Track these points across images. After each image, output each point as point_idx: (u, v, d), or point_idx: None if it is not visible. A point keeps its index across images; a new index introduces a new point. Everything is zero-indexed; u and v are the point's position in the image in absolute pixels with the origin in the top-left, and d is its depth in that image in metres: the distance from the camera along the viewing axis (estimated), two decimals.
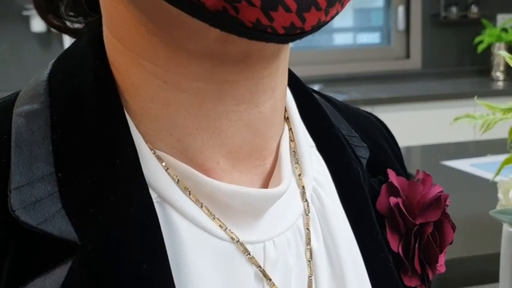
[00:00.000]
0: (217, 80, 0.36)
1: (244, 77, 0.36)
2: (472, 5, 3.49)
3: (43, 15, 0.45)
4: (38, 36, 3.07)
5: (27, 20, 3.03)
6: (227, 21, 0.32)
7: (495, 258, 0.76)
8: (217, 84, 0.36)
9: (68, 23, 0.45)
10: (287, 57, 0.40)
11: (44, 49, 3.09)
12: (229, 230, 0.38)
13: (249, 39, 0.33)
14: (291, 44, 0.37)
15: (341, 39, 3.62)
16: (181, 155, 0.38)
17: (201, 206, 0.38)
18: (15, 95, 0.40)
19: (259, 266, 0.38)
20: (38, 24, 3.00)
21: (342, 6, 0.34)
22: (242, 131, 0.38)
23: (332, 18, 0.33)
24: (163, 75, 0.36)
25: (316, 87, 3.01)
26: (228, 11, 0.31)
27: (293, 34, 0.32)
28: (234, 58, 0.35)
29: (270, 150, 0.41)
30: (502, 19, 3.50)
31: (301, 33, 0.33)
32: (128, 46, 0.37)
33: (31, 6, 2.77)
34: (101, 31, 0.40)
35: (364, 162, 0.47)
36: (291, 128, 0.44)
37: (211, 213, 0.38)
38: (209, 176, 0.38)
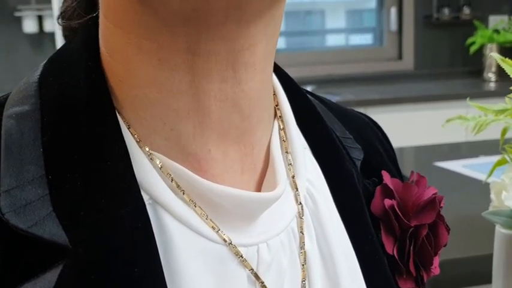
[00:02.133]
0: (202, 50, 0.36)
1: (225, 47, 0.36)
2: (464, 7, 3.51)
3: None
4: (30, 37, 3.06)
5: (19, 21, 3.02)
6: None
7: (488, 259, 0.76)
8: (200, 56, 0.36)
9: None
10: (271, 39, 0.39)
11: (36, 50, 3.08)
12: (222, 231, 0.38)
13: None
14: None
15: (333, 41, 3.62)
16: (174, 147, 0.38)
17: (195, 206, 0.37)
18: (5, 97, 0.40)
19: (251, 269, 0.38)
20: (30, 25, 3.00)
21: None
22: (229, 112, 0.38)
23: None
24: (157, 51, 0.36)
25: (309, 88, 3.00)
26: None
27: None
28: (215, 22, 0.35)
29: (256, 137, 0.41)
30: (494, 20, 3.52)
31: None
32: (124, 27, 0.37)
33: (23, 7, 2.76)
34: (95, 30, 0.39)
35: (358, 163, 0.47)
36: (283, 128, 0.44)
37: (204, 213, 0.38)
38: (202, 167, 0.38)
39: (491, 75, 3.41)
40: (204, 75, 0.37)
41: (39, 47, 3.08)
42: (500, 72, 3.34)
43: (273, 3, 0.37)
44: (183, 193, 0.37)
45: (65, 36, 0.45)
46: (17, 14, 2.99)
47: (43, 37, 3.07)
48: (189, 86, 0.37)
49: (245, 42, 0.37)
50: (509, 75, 0.70)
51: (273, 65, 0.41)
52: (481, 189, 1.02)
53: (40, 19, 3.03)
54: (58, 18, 0.45)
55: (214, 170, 0.39)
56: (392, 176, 0.48)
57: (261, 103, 0.40)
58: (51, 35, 2.98)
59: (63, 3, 0.45)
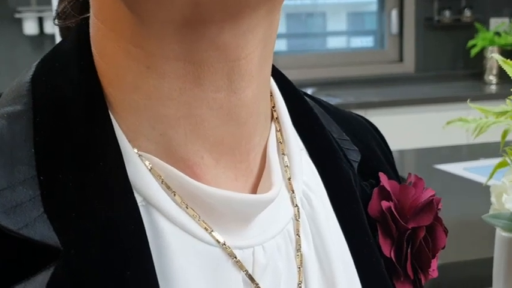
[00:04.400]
0: (195, 60, 0.35)
1: (220, 57, 0.36)
2: (465, 9, 3.50)
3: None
4: (31, 38, 3.06)
5: (19, 22, 3.02)
6: None
7: (488, 263, 0.75)
8: (195, 64, 0.35)
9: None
10: (268, 44, 0.39)
11: (37, 52, 3.08)
12: (215, 233, 0.37)
13: None
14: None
15: (334, 43, 3.62)
16: (164, 151, 0.37)
17: (186, 207, 0.37)
18: None
19: (246, 271, 0.37)
20: (30, 27, 3.00)
21: None
22: (224, 121, 0.38)
23: None
24: (146, 58, 0.36)
25: (309, 91, 3.02)
26: None
27: None
28: (209, 33, 0.34)
29: (252, 144, 0.40)
30: (495, 23, 3.51)
31: None
32: (114, 30, 0.36)
33: (24, 8, 2.75)
34: (87, 30, 0.39)
35: (355, 165, 0.47)
36: (280, 130, 0.43)
37: (196, 214, 0.37)
38: (194, 172, 0.37)
39: (492, 78, 3.40)
40: (197, 84, 0.36)
41: (40, 48, 3.08)
42: (501, 74, 3.33)
43: (270, 11, 0.36)
44: (174, 194, 0.37)
45: (63, 36, 0.45)
46: (18, 15, 2.99)
47: (43, 39, 3.07)
48: (180, 94, 0.36)
49: (241, 52, 0.36)
50: (510, 78, 0.69)
51: (271, 67, 0.41)
52: (482, 192, 1.01)
53: (40, 21, 3.03)
54: (55, 19, 0.44)
55: (206, 176, 0.38)
56: (389, 178, 0.47)
57: (258, 108, 0.40)
58: (52, 37, 2.98)
59: (60, 3, 0.45)
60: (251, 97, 0.38)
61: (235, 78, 0.37)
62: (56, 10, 0.45)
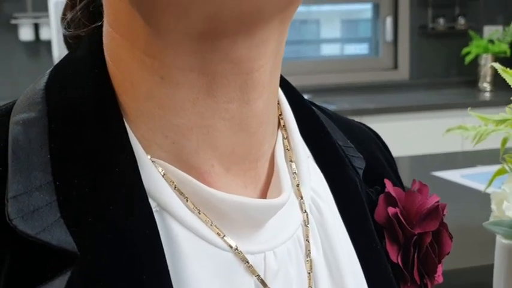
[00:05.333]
0: (208, 71, 0.36)
1: (233, 70, 0.36)
2: (459, 17, 3.52)
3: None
4: (26, 44, 3.06)
5: (15, 28, 3.02)
6: None
7: (488, 269, 0.76)
8: (208, 76, 0.36)
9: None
10: (279, 54, 0.39)
11: (32, 58, 3.08)
12: (227, 237, 0.37)
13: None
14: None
15: (329, 50, 3.63)
16: (176, 158, 0.38)
17: (199, 213, 0.37)
18: (12, 104, 0.40)
19: (258, 275, 0.38)
20: (26, 33, 2.99)
21: None
22: (235, 130, 0.38)
23: None
24: (160, 69, 0.36)
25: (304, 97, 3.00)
26: None
27: None
28: (223, 46, 0.35)
29: (261, 152, 0.40)
30: (489, 31, 3.54)
31: None
32: (130, 40, 0.37)
33: (20, 14, 2.75)
34: (100, 38, 0.39)
35: (361, 172, 0.47)
36: (287, 137, 0.44)
37: (209, 219, 0.37)
38: (205, 180, 0.38)
39: (486, 85, 3.42)
40: (210, 95, 0.37)
41: (35, 54, 3.08)
42: (495, 81, 3.35)
43: (282, 22, 0.37)
44: (187, 200, 0.37)
45: (69, 43, 0.45)
46: (13, 21, 2.99)
47: (39, 45, 3.06)
48: (193, 104, 0.37)
49: (255, 65, 0.37)
50: (504, 85, 0.70)
51: (279, 76, 0.41)
52: (480, 199, 1.02)
53: (36, 27, 3.03)
54: (64, 27, 0.45)
55: (217, 183, 0.38)
56: (394, 184, 0.48)
57: (268, 118, 0.40)
58: (48, 43, 2.97)
59: (66, 11, 0.45)
60: (262, 107, 0.39)
61: (248, 90, 0.37)
62: (63, 18, 0.45)
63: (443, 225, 0.47)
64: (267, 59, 0.37)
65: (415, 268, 0.45)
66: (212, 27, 0.34)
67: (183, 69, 0.36)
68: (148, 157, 0.37)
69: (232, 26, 0.34)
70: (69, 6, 0.45)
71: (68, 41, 0.45)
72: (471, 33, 3.44)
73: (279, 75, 0.41)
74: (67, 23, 0.44)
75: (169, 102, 0.37)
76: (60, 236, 0.33)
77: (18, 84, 3.00)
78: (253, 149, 0.40)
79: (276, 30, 0.37)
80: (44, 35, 3.01)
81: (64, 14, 0.45)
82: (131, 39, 0.37)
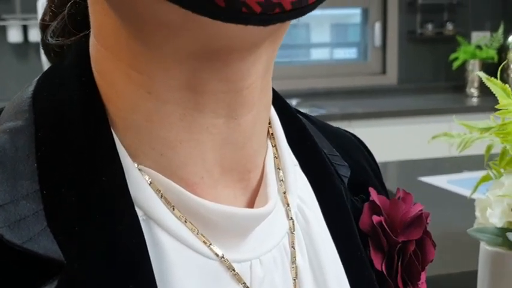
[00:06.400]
0: (197, 89, 0.36)
1: (223, 88, 0.36)
2: (448, 23, 3.55)
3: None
4: (15, 46, 3.05)
5: (3, 30, 3.00)
6: (199, 2, 0.30)
7: (472, 276, 0.76)
8: (197, 93, 0.36)
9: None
10: (270, 69, 0.39)
11: (21, 60, 3.06)
12: (213, 245, 0.38)
13: (223, 22, 0.31)
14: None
15: (318, 54, 3.64)
16: (164, 169, 0.38)
17: (185, 221, 0.37)
18: None
19: (244, 283, 0.38)
20: (14, 35, 2.98)
21: None
22: (221, 145, 0.38)
23: (317, 1, 0.32)
24: (147, 84, 0.36)
25: (293, 102, 3.03)
26: None
27: (272, 14, 0.31)
28: (214, 67, 0.35)
29: (254, 164, 0.41)
30: (477, 36, 3.56)
31: (281, 13, 0.31)
32: (115, 54, 0.37)
33: (8, 16, 2.72)
34: (87, 47, 0.39)
35: (346, 180, 0.48)
36: (275, 145, 0.44)
37: (195, 228, 0.38)
38: (194, 191, 0.38)
39: (473, 91, 3.45)
40: (197, 111, 0.37)
41: (24, 56, 3.06)
42: (483, 87, 3.37)
43: (273, 41, 0.37)
44: (173, 208, 0.37)
45: (48, 51, 0.45)
46: (2, 23, 2.98)
47: (28, 47, 3.05)
48: (180, 119, 0.37)
49: (245, 83, 0.37)
50: (491, 91, 0.71)
51: (271, 92, 0.41)
52: (466, 205, 1.03)
53: (25, 29, 3.02)
54: (46, 36, 0.44)
55: (206, 194, 0.39)
56: (378, 193, 0.49)
57: (256, 131, 0.40)
58: (36, 45, 2.96)
59: (45, 17, 0.45)
60: (250, 122, 0.39)
61: (236, 107, 0.37)
62: (43, 23, 0.45)
63: (426, 233, 0.47)
64: (257, 76, 0.38)
65: (399, 276, 0.45)
66: (203, 49, 0.34)
67: (171, 85, 0.36)
68: (136, 165, 0.37)
69: (224, 52, 0.34)
70: (52, 14, 0.44)
71: (48, 49, 0.45)
72: (459, 38, 3.46)
73: (271, 92, 0.41)
74: (52, 31, 0.44)
75: (156, 116, 0.37)
76: (47, 245, 0.33)
77: (6, 86, 2.99)
78: (243, 160, 0.40)
79: (266, 49, 0.37)
80: (32, 36, 3.00)
81: (43, 19, 0.45)
82: (116, 53, 0.37)
